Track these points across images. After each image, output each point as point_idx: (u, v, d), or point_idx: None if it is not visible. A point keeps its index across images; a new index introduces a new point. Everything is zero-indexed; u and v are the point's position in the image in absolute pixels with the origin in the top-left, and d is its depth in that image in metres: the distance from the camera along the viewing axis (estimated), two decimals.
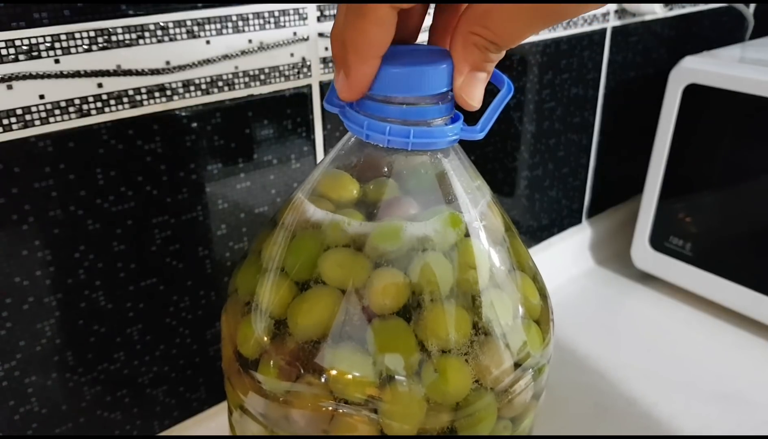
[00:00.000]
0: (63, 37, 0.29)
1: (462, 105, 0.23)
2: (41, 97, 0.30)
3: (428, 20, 0.26)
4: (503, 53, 0.22)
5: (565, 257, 0.65)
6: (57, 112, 0.30)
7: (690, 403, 0.49)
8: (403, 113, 0.23)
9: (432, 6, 0.26)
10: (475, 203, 0.26)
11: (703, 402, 0.49)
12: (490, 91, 0.24)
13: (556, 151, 0.59)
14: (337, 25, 0.23)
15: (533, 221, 0.61)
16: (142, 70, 0.32)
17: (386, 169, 0.25)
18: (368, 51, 0.22)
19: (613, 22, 0.58)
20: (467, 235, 0.25)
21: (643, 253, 0.63)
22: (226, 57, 0.35)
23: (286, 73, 0.37)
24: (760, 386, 0.51)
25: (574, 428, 0.46)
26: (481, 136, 0.24)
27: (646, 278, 0.64)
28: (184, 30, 0.33)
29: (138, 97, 0.32)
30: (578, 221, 0.68)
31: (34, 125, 0.30)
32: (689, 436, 0.46)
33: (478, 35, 0.21)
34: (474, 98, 0.23)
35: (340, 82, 0.23)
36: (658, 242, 0.61)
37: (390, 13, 0.21)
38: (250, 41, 0.35)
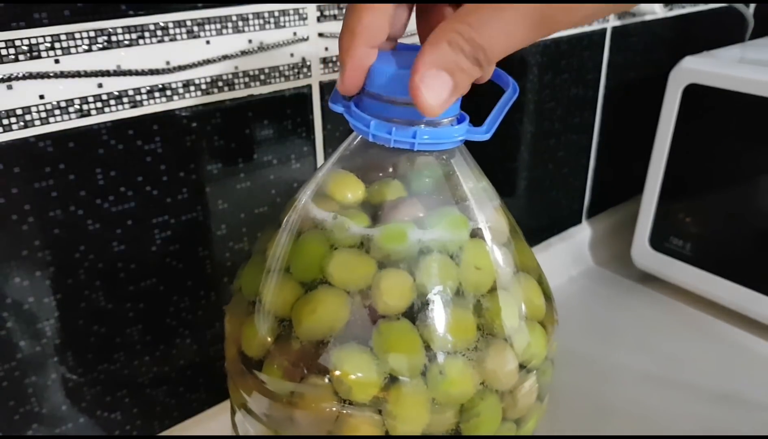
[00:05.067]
0: (63, 37, 0.29)
1: (415, 103, 0.21)
2: (41, 97, 0.30)
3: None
4: (476, 71, 0.20)
5: (565, 257, 0.65)
6: (57, 112, 0.30)
7: (690, 403, 0.49)
8: (408, 114, 0.23)
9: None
10: (481, 205, 0.26)
11: (703, 402, 0.49)
12: (496, 93, 0.24)
13: (556, 152, 0.59)
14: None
15: (533, 221, 0.61)
16: (142, 70, 0.32)
17: (391, 170, 0.25)
18: (361, 36, 0.22)
19: (613, 22, 0.58)
20: (473, 236, 0.25)
21: (643, 253, 0.63)
22: (226, 57, 0.35)
23: (286, 73, 0.37)
24: (760, 386, 0.51)
25: (574, 428, 0.46)
26: (486, 136, 0.24)
27: (646, 278, 0.64)
28: (184, 30, 0.33)
29: (138, 97, 0.32)
30: (578, 221, 0.67)
31: (34, 125, 0.30)
32: (689, 436, 0.46)
33: (457, 32, 0.19)
34: (425, 95, 0.20)
35: (339, 74, 0.23)
36: (658, 242, 0.61)
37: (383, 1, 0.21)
38: (250, 41, 0.35)
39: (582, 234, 0.67)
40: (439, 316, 0.23)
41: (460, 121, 0.24)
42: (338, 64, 0.23)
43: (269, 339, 0.25)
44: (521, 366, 0.25)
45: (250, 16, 0.35)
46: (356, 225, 0.24)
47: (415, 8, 0.25)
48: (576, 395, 0.50)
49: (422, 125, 0.23)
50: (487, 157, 0.53)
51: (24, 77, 0.29)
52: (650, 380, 0.51)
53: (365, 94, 0.24)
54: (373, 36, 0.22)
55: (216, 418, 0.42)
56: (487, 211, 0.26)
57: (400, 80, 0.22)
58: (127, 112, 0.32)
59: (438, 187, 0.25)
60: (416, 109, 0.22)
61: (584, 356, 0.54)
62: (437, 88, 0.20)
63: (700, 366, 0.53)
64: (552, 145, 0.58)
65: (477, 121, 0.24)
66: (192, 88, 0.34)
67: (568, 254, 0.66)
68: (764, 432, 0.46)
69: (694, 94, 0.55)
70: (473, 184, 0.26)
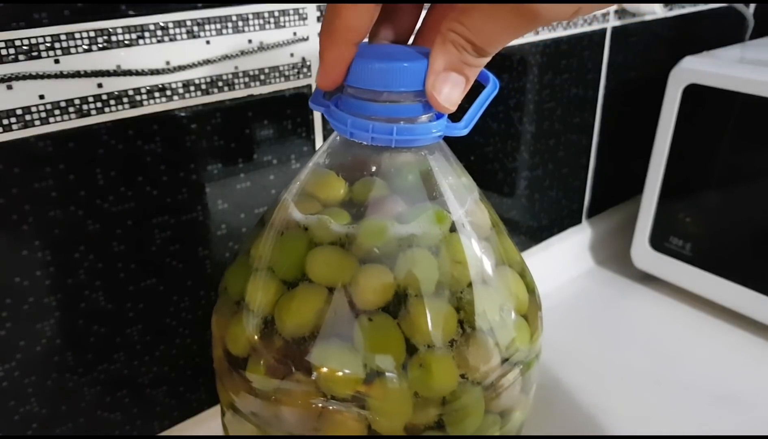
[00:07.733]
0: (63, 37, 0.29)
1: (433, 105, 0.22)
2: (41, 97, 0.30)
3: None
4: (483, 61, 0.22)
5: (565, 257, 0.65)
6: (57, 112, 0.30)
7: (689, 403, 0.49)
8: (387, 111, 0.23)
9: (425, 8, 0.26)
10: (461, 199, 0.26)
11: (703, 402, 0.49)
12: (476, 88, 0.24)
13: (556, 152, 0.59)
14: None
15: (533, 221, 0.61)
16: (142, 70, 0.32)
17: (372, 168, 0.25)
18: (340, 34, 0.22)
19: (613, 22, 0.58)
20: (453, 231, 0.25)
21: (643, 253, 0.63)
22: (226, 57, 0.35)
23: (286, 73, 0.37)
24: (760, 386, 0.51)
25: (573, 428, 0.46)
26: (464, 132, 0.24)
27: (646, 278, 0.64)
28: (184, 30, 0.33)
29: (138, 97, 0.32)
30: (578, 221, 0.68)
31: (34, 125, 0.30)
32: (689, 436, 0.46)
33: (455, 32, 0.21)
34: (444, 97, 0.22)
35: (318, 69, 0.23)
36: (658, 242, 0.61)
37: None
38: (250, 41, 0.35)
39: (582, 234, 0.67)
40: (419, 310, 0.24)
41: (438, 117, 0.24)
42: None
43: (254, 337, 0.25)
44: (504, 359, 0.25)
45: (250, 16, 0.35)
46: (337, 223, 0.25)
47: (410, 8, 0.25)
48: (575, 395, 0.50)
49: (401, 122, 0.23)
50: (488, 157, 0.53)
51: (24, 77, 0.29)
52: (650, 379, 0.51)
53: (345, 93, 0.24)
54: (353, 34, 0.22)
55: (216, 418, 0.41)
56: (467, 205, 0.26)
57: (376, 74, 0.22)
58: (127, 112, 0.32)
59: (418, 184, 0.25)
60: (395, 107, 0.23)
61: (584, 356, 0.54)
62: (452, 87, 0.22)
63: (700, 366, 0.53)
64: (552, 145, 0.58)
65: (457, 116, 0.25)
66: (192, 88, 0.34)
67: (568, 254, 0.66)
68: (764, 432, 0.46)
69: (694, 94, 0.55)
70: (453, 179, 0.26)
